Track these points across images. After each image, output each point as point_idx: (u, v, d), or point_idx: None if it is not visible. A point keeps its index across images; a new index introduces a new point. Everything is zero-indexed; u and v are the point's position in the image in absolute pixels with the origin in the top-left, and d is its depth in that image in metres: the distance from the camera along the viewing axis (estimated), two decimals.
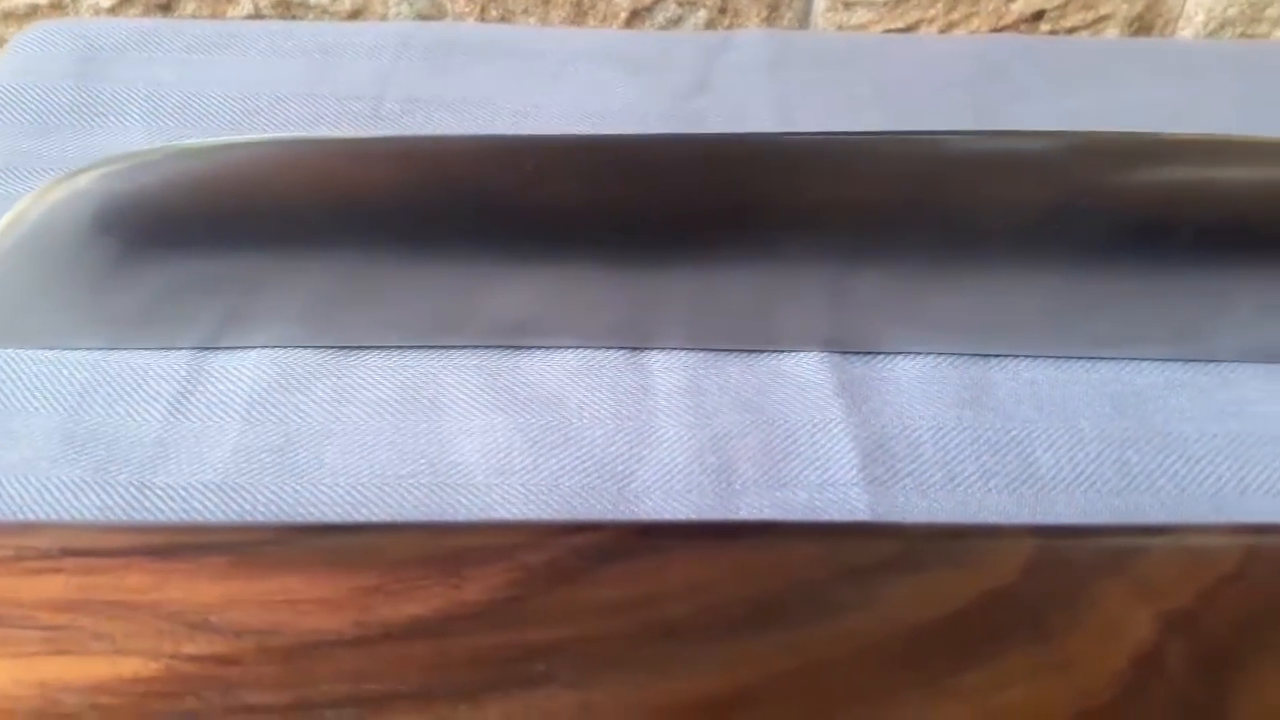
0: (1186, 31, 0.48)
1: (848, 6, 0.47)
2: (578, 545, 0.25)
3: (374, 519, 0.28)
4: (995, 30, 0.48)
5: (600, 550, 0.24)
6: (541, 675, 0.22)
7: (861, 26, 0.48)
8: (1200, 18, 0.48)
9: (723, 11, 0.48)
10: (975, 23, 0.48)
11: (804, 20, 0.48)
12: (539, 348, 0.33)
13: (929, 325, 0.33)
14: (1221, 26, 0.48)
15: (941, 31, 0.48)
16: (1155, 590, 0.24)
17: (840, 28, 0.48)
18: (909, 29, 0.48)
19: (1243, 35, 0.48)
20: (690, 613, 0.23)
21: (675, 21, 0.48)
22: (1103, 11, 0.47)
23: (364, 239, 0.31)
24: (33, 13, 0.48)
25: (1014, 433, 0.31)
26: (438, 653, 0.23)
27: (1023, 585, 0.24)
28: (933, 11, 0.47)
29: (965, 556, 0.24)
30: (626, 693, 0.22)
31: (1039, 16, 0.47)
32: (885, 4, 0.47)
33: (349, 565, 0.24)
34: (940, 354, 0.33)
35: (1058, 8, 0.47)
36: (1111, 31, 0.48)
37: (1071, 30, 0.48)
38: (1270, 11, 0.47)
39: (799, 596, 0.24)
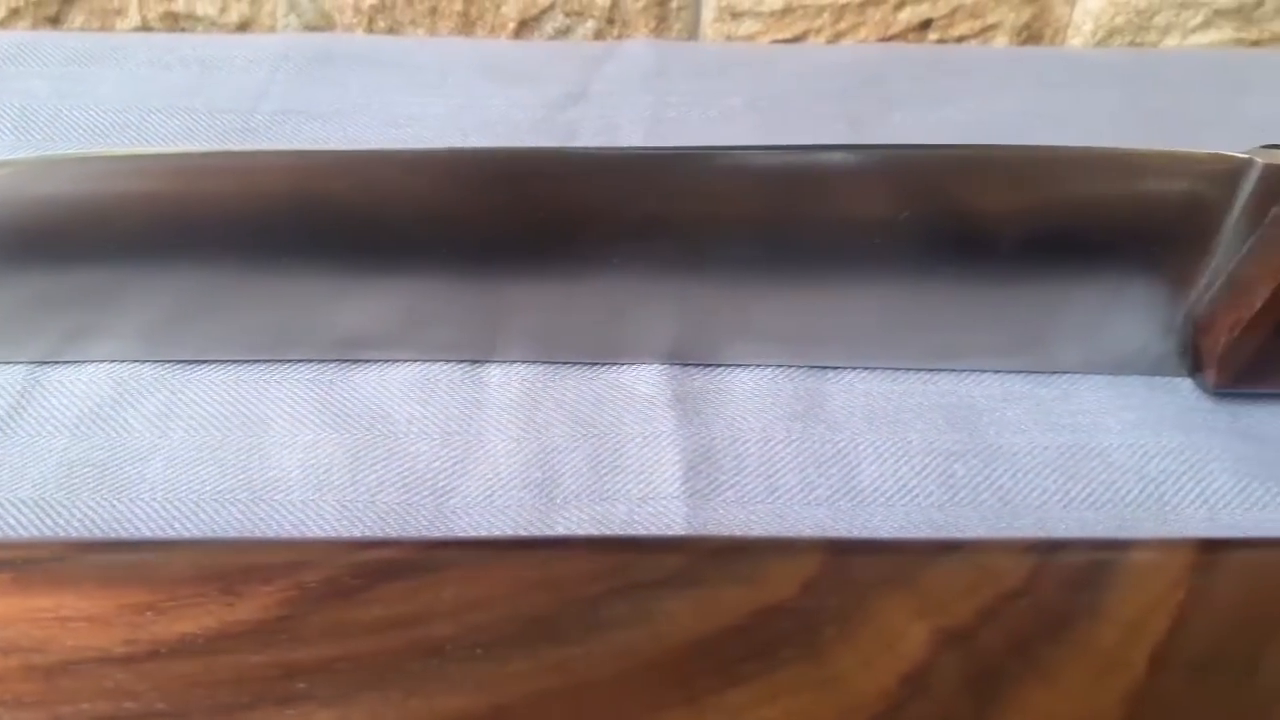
0: (1076, 40, 0.48)
1: (735, 17, 0.47)
2: (357, 563, 0.24)
3: (185, 535, 0.28)
4: (883, 40, 0.48)
5: (379, 568, 0.24)
6: (300, 694, 0.22)
7: (750, 37, 0.48)
8: (1089, 26, 0.48)
9: (611, 22, 0.48)
10: (863, 32, 0.48)
11: (693, 31, 0.48)
12: (376, 362, 0.33)
13: (767, 337, 0.33)
14: (1110, 35, 0.48)
15: (829, 42, 0.48)
16: (936, 607, 0.24)
17: (729, 38, 0.48)
18: (796, 39, 0.48)
19: (1132, 43, 0.48)
20: (459, 631, 0.23)
21: (564, 32, 0.48)
22: (990, 20, 0.47)
23: (202, 253, 0.31)
24: None
25: (841, 445, 0.31)
26: (203, 671, 0.23)
27: (801, 601, 0.24)
28: (819, 22, 0.47)
29: (747, 571, 0.24)
30: (384, 711, 0.22)
31: (926, 26, 0.47)
32: (772, 15, 0.47)
33: (124, 582, 0.24)
34: (778, 366, 0.33)
35: (945, 17, 0.47)
36: (1001, 40, 0.48)
37: (960, 39, 0.48)
38: (1158, 19, 0.47)
39: (571, 614, 0.23)
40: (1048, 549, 0.25)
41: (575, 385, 0.32)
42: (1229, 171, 0.29)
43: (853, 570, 0.24)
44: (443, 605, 0.23)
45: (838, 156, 0.29)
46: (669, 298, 0.32)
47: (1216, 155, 0.29)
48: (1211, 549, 0.25)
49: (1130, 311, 0.31)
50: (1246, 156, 0.29)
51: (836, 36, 0.48)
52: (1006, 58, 0.46)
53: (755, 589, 0.24)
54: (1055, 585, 0.24)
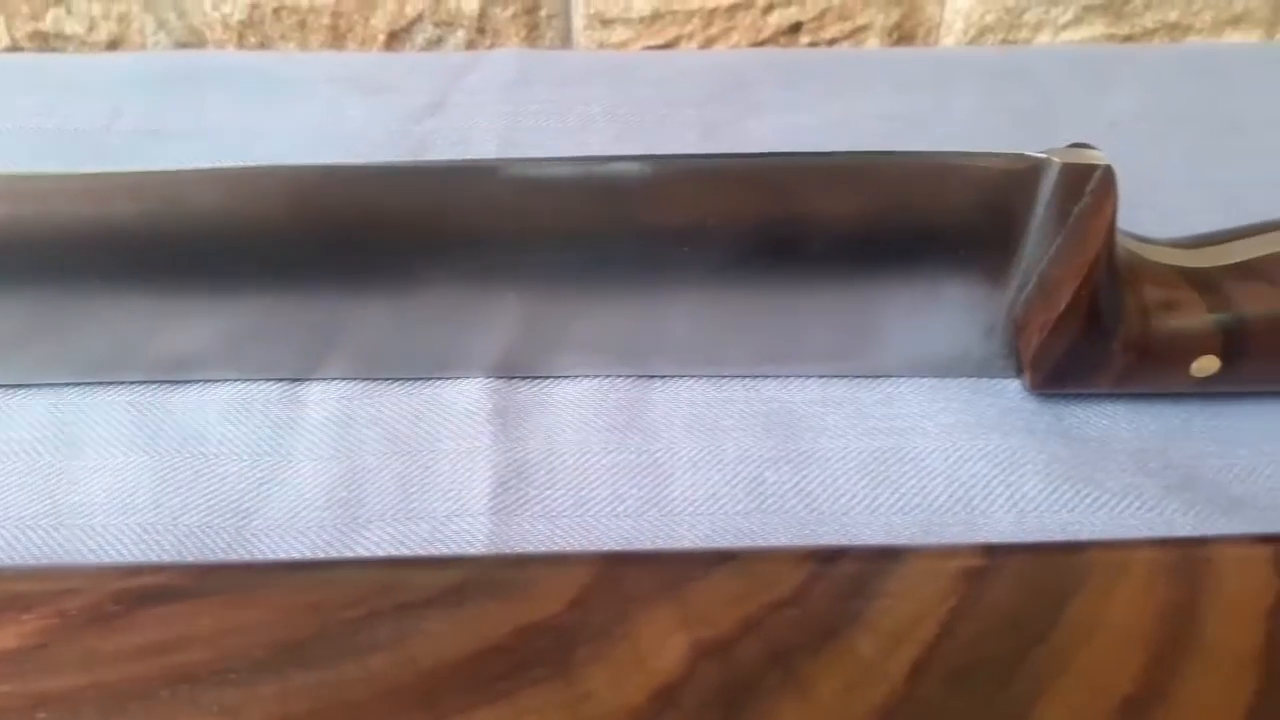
0: (948, 39, 0.48)
1: (605, 24, 0.47)
2: (120, 590, 0.24)
3: None
4: (755, 44, 0.48)
5: (141, 594, 0.24)
6: None
7: (622, 44, 0.48)
8: (960, 25, 0.47)
9: (482, 32, 0.48)
10: (735, 37, 0.47)
11: (566, 39, 0.48)
12: (197, 383, 0.32)
13: (591, 348, 0.32)
14: (981, 34, 0.48)
15: (701, 47, 0.48)
16: (700, 619, 0.24)
17: (601, 45, 0.48)
18: (668, 45, 0.48)
19: (1004, 41, 0.48)
20: (213, 657, 0.23)
21: (436, 43, 0.48)
22: (860, 22, 0.47)
23: (17, 279, 0.31)
24: None
25: (657, 455, 0.31)
26: None
27: (564, 618, 0.24)
28: (690, 27, 0.47)
29: (513, 589, 0.24)
30: None
31: (797, 29, 0.47)
32: (642, 21, 0.47)
33: None
34: (605, 376, 0.33)
35: (814, 20, 0.47)
36: (873, 42, 0.48)
37: (832, 42, 0.48)
38: (1028, 16, 0.47)
39: (329, 637, 0.23)
40: (825, 558, 0.25)
41: (394, 402, 0.32)
42: (1027, 172, 0.29)
43: (622, 584, 0.24)
44: (200, 631, 0.23)
45: (636, 167, 0.29)
46: (488, 311, 0.31)
47: (1014, 156, 0.29)
48: (988, 554, 0.25)
49: (948, 314, 0.31)
50: (1044, 156, 0.28)
51: (708, 42, 0.48)
52: (875, 59, 0.46)
53: (520, 607, 0.24)
54: (825, 595, 0.24)
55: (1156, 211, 0.39)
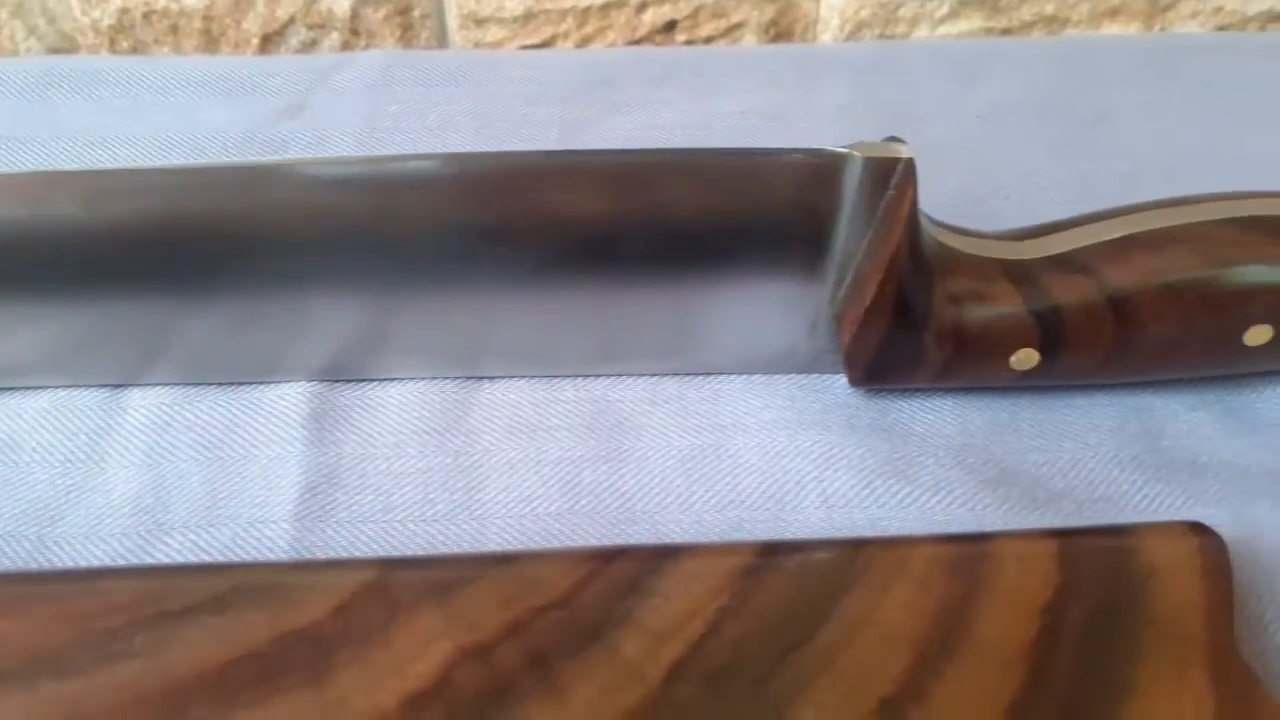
0: (825, 36, 0.48)
1: (479, 24, 0.47)
2: None
3: None
4: (631, 43, 0.48)
5: None
6: None
7: (497, 43, 0.48)
8: (836, 21, 0.47)
9: (356, 34, 0.47)
10: (610, 36, 0.47)
11: (441, 39, 0.48)
12: (18, 390, 0.32)
13: (417, 350, 0.32)
14: (858, 29, 0.47)
15: (577, 46, 0.48)
16: (466, 623, 0.23)
17: (476, 45, 0.48)
18: (544, 44, 0.48)
19: (881, 36, 0.48)
20: None
21: (310, 45, 0.47)
22: (735, 19, 0.47)
23: None
24: None
25: (474, 458, 0.30)
26: None
27: (327, 624, 0.23)
28: (565, 26, 0.47)
29: (277, 596, 0.24)
30: None
31: (672, 27, 0.47)
32: (515, 20, 0.47)
33: None
34: (432, 378, 0.32)
35: (689, 17, 0.47)
36: (749, 39, 0.48)
37: (708, 39, 0.48)
38: (904, 11, 0.47)
39: (82, 646, 0.23)
40: (601, 559, 0.24)
41: (213, 407, 0.31)
42: (829, 167, 0.28)
43: (390, 591, 0.24)
44: None
45: (436, 165, 0.29)
46: (306, 314, 0.31)
47: (817, 151, 0.28)
48: (766, 553, 0.25)
49: (770, 311, 0.31)
50: (847, 151, 0.28)
51: (584, 41, 0.47)
52: (747, 56, 0.46)
53: (283, 614, 0.23)
54: (596, 597, 0.24)
55: (1015, 203, 0.39)
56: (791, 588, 0.24)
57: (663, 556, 0.25)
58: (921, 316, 0.29)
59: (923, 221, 0.30)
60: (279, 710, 0.22)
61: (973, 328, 0.30)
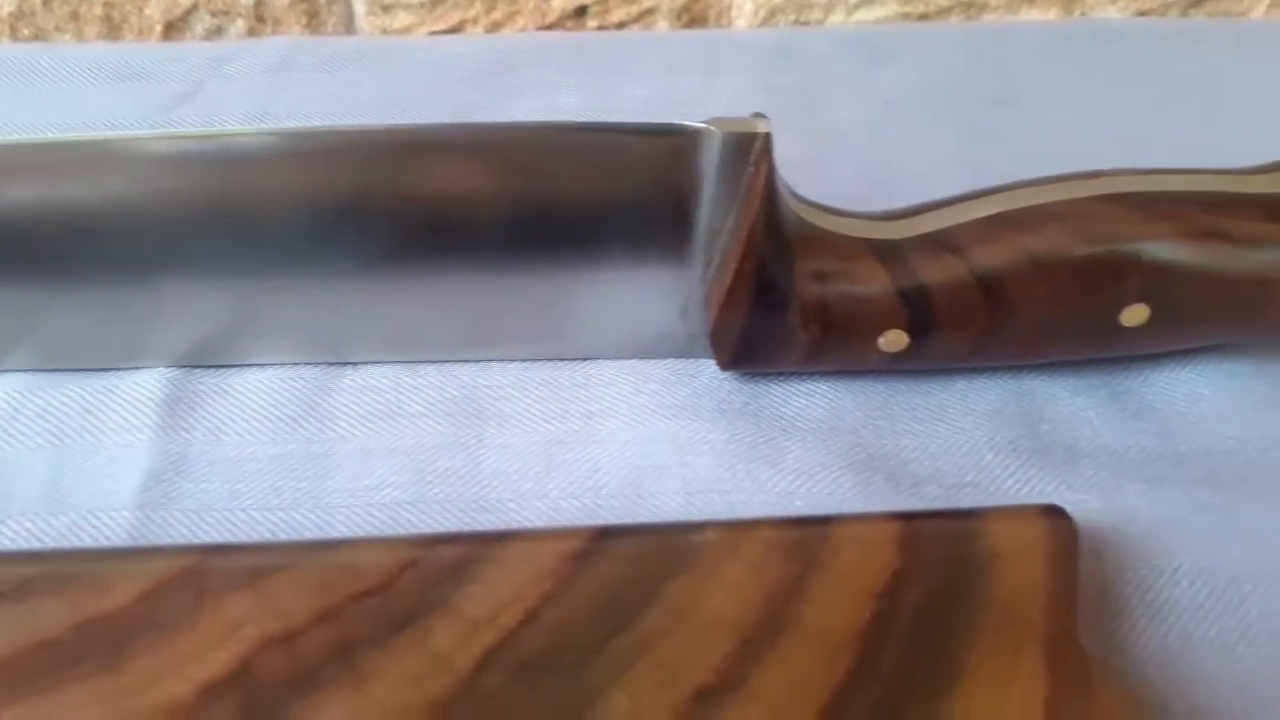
0: (740, 21, 0.47)
1: (386, 10, 0.46)
2: None
3: None
4: (542, 28, 0.47)
5: None
6: None
7: (406, 29, 0.47)
8: (750, 7, 0.46)
9: (261, 20, 0.46)
10: (520, 21, 0.46)
11: (349, 26, 0.47)
12: None
13: (279, 334, 0.31)
14: (772, 14, 0.47)
15: (487, 31, 0.47)
16: (276, 611, 0.22)
17: (384, 31, 0.47)
18: (453, 30, 0.47)
19: (796, 22, 0.47)
20: None
21: (215, 32, 0.47)
22: (646, 5, 0.46)
23: None
24: None
25: (327, 445, 0.29)
26: None
27: (132, 611, 0.22)
28: (473, 12, 0.46)
29: (84, 583, 0.23)
30: None
31: (582, 12, 0.46)
32: (423, 6, 0.46)
33: None
34: (295, 364, 0.31)
35: (599, 3, 0.46)
36: (662, 25, 0.47)
37: (620, 25, 0.47)
38: None
39: None
40: (429, 544, 0.24)
41: (65, 394, 0.30)
42: (685, 143, 0.27)
43: (203, 577, 0.23)
44: None
45: (272, 141, 0.28)
46: (159, 297, 0.30)
47: (673, 126, 0.27)
48: (599, 537, 0.24)
49: (640, 294, 0.30)
50: (704, 126, 0.27)
51: (493, 26, 0.47)
52: (655, 42, 0.45)
53: (87, 601, 0.22)
54: (414, 584, 0.23)
55: (917, 187, 0.38)
56: (620, 573, 0.23)
57: (488, 543, 0.24)
58: (785, 297, 0.28)
59: (787, 199, 0.29)
60: (74, 696, 0.21)
61: (839, 308, 0.29)
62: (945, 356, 0.30)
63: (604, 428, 0.30)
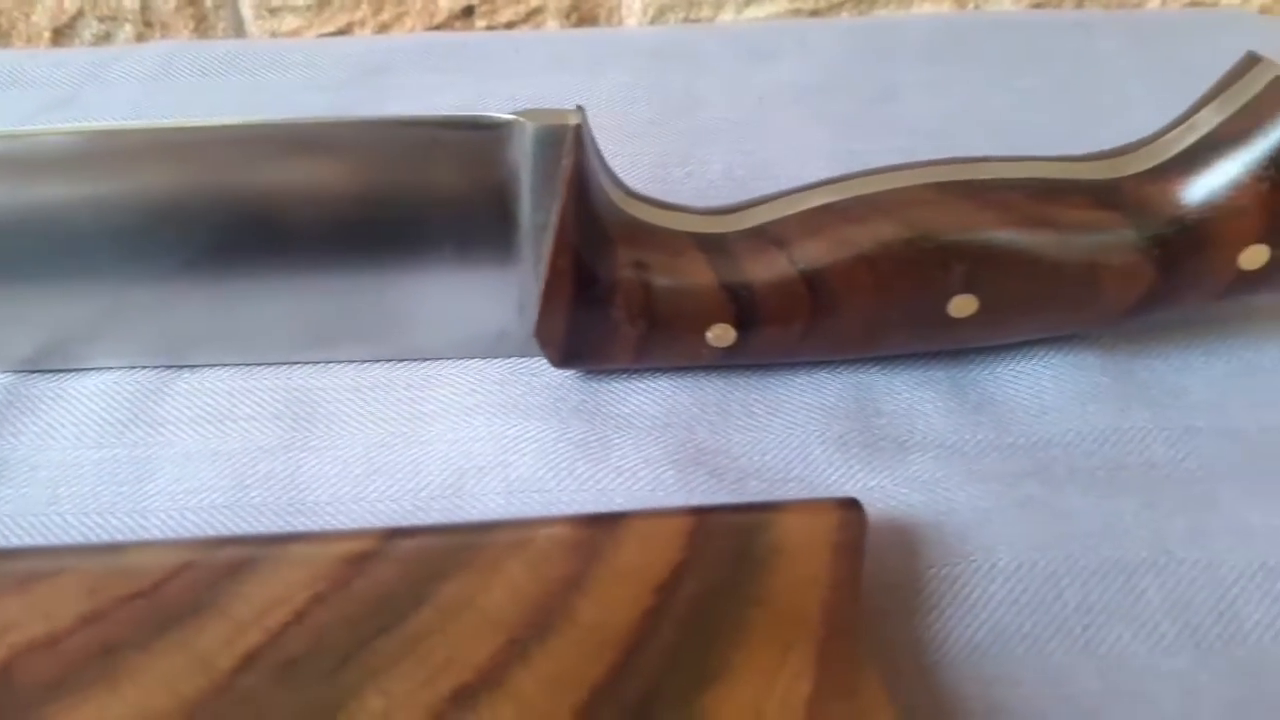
0: (630, 20, 0.47)
1: (273, 13, 0.46)
2: None
3: None
4: (430, 29, 0.46)
5: None
6: None
7: (294, 32, 0.47)
8: (638, 5, 0.46)
9: (149, 25, 0.46)
10: (409, 22, 0.46)
11: (239, 29, 0.47)
12: None
13: (106, 338, 0.31)
14: (662, 12, 0.46)
15: (375, 33, 0.46)
16: (44, 613, 0.22)
17: (273, 34, 0.47)
18: (341, 32, 0.47)
19: (686, 20, 0.47)
20: None
21: (104, 38, 0.46)
22: (534, 4, 0.46)
23: None
24: None
25: (151, 449, 0.29)
26: None
27: None
28: (360, 13, 0.46)
29: None
30: None
31: (470, 12, 0.46)
32: (309, 8, 0.45)
33: None
34: (132, 368, 0.31)
35: (486, 2, 0.45)
36: (551, 24, 0.47)
37: (509, 25, 0.47)
38: None
39: None
40: (209, 546, 0.23)
41: None
42: (497, 136, 0.27)
43: None
44: None
45: (76, 141, 0.27)
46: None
47: (484, 118, 0.27)
48: (384, 537, 0.23)
49: (472, 292, 0.30)
50: (514, 118, 0.27)
51: (381, 28, 0.46)
52: (540, 41, 0.45)
53: None
54: (186, 585, 0.22)
55: (784, 183, 0.38)
56: (398, 574, 0.23)
57: (267, 545, 0.23)
58: (607, 291, 0.28)
59: (608, 192, 0.28)
60: None
61: (664, 303, 0.28)
62: (775, 351, 0.29)
63: (431, 429, 0.29)
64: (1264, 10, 0.46)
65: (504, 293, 0.30)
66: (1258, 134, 0.27)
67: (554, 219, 0.27)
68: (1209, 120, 0.28)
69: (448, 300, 0.30)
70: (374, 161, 0.28)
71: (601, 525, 0.23)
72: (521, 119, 0.27)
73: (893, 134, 0.40)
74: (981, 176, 0.28)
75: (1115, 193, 0.28)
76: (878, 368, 0.31)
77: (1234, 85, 0.28)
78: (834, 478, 0.28)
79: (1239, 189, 0.27)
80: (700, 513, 0.24)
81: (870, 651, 0.24)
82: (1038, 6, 0.47)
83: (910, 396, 0.30)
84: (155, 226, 0.28)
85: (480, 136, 0.27)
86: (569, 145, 0.27)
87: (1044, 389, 0.30)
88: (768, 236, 0.28)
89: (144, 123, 0.28)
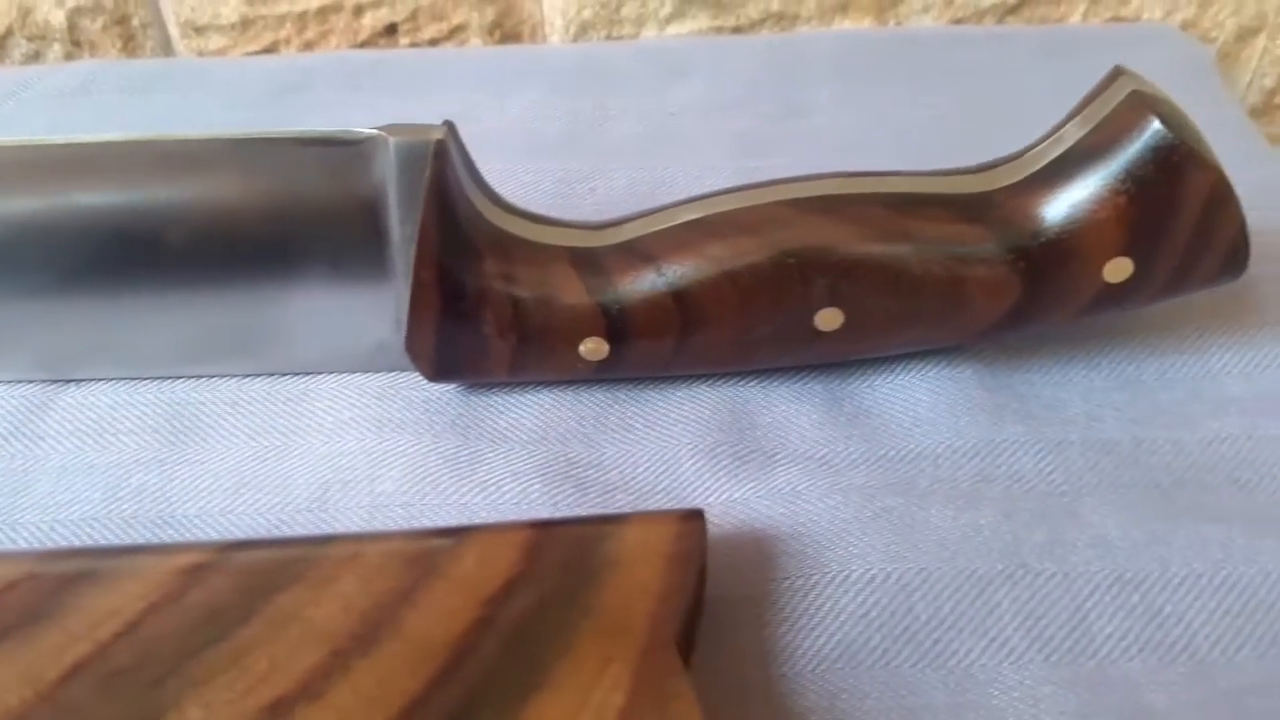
0: (554, 38, 0.47)
1: (200, 32, 0.46)
2: None
3: None
4: (355, 47, 0.47)
5: None
6: None
7: (220, 51, 0.47)
8: (560, 23, 0.46)
9: (78, 44, 0.47)
10: (333, 40, 0.46)
11: (166, 49, 0.47)
12: None
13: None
14: (584, 30, 0.47)
15: (301, 50, 0.47)
16: None
17: (200, 53, 0.47)
18: (267, 50, 0.47)
19: (608, 37, 0.47)
20: None
21: (34, 57, 0.47)
22: (456, 21, 0.46)
23: None
24: None
25: (29, 463, 0.29)
26: None
27: None
28: (285, 32, 0.46)
29: None
30: None
31: (393, 30, 0.46)
32: (234, 27, 0.46)
33: None
34: (16, 381, 0.31)
35: (408, 20, 0.46)
36: (475, 42, 0.47)
37: (432, 42, 0.47)
38: (626, 11, 0.46)
39: None
40: (54, 558, 0.23)
41: None
42: (360, 151, 0.27)
43: None
44: None
45: None
46: None
47: (347, 133, 0.27)
48: (219, 551, 0.23)
49: (344, 307, 0.30)
50: (375, 134, 0.27)
51: (306, 46, 0.47)
52: (457, 58, 0.45)
53: None
54: (25, 595, 0.23)
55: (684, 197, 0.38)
56: (232, 585, 0.23)
57: (109, 557, 0.24)
58: (475, 304, 0.28)
59: (478, 206, 0.29)
60: None
61: (535, 316, 0.29)
62: (650, 365, 0.30)
63: (303, 443, 0.29)
64: (1186, 25, 0.46)
65: (380, 307, 0.30)
66: (1115, 147, 0.27)
67: (416, 231, 0.27)
68: (1073, 134, 0.28)
69: (326, 315, 0.30)
70: (244, 178, 0.28)
71: (442, 539, 0.24)
72: (384, 134, 0.27)
73: (799, 149, 0.40)
74: (844, 191, 0.29)
75: (979, 206, 0.28)
76: (756, 381, 0.31)
77: (1098, 99, 0.28)
78: (700, 490, 0.28)
79: (1099, 202, 0.27)
80: (542, 526, 0.24)
81: (716, 664, 0.24)
82: (958, 23, 0.47)
83: (786, 410, 0.30)
84: (30, 243, 0.29)
85: (344, 152, 0.27)
86: (430, 159, 0.27)
87: (919, 402, 0.30)
88: (637, 252, 0.29)
89: (14, 139, 0.28)
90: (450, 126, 0.28)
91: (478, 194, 0.29)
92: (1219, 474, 0.28)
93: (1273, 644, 0.25)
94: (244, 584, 0.23)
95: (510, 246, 0.29)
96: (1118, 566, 0.26)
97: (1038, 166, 0.28)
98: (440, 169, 0.27)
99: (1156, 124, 0.26)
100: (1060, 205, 0.28)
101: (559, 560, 0.23)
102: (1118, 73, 0.28)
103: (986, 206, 0.28)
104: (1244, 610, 0.25)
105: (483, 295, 0.28)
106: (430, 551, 0.23)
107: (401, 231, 0.28)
